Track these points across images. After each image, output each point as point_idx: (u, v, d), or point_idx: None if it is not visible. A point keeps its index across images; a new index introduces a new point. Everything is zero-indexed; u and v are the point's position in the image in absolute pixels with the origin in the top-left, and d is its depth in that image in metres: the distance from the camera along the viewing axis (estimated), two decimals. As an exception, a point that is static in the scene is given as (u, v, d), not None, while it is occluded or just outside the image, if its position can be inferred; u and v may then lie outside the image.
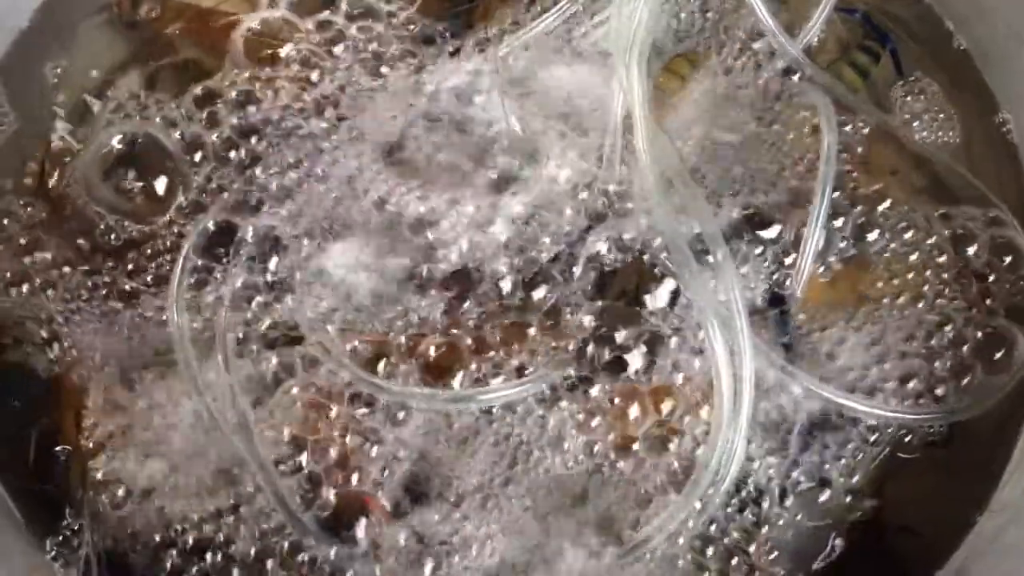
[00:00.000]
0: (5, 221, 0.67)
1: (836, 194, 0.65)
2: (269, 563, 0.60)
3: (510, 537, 0.60)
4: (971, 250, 0.66)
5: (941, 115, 0.70)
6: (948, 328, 0.64)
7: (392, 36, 0.71)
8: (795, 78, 0.69)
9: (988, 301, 0.65)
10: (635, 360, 0.62)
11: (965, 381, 0.63)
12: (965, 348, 0.64)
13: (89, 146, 0.68)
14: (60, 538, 0.61)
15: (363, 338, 0.63)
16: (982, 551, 0.61)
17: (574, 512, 0.60)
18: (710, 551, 0.60)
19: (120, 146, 0.67)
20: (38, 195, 0.67)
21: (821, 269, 0.65)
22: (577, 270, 0.64)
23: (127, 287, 0.64)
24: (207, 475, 0.61)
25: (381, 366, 0.62)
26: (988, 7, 0.70)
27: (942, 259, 0.66)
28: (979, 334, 0.64)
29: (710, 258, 0.61)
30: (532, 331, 0.63)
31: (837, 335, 0.64)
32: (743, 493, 0.61)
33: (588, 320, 0.63)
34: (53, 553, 0.61)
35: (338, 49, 0.70)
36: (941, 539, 0.62)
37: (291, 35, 0.70)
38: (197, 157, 0.67)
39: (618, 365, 0.62)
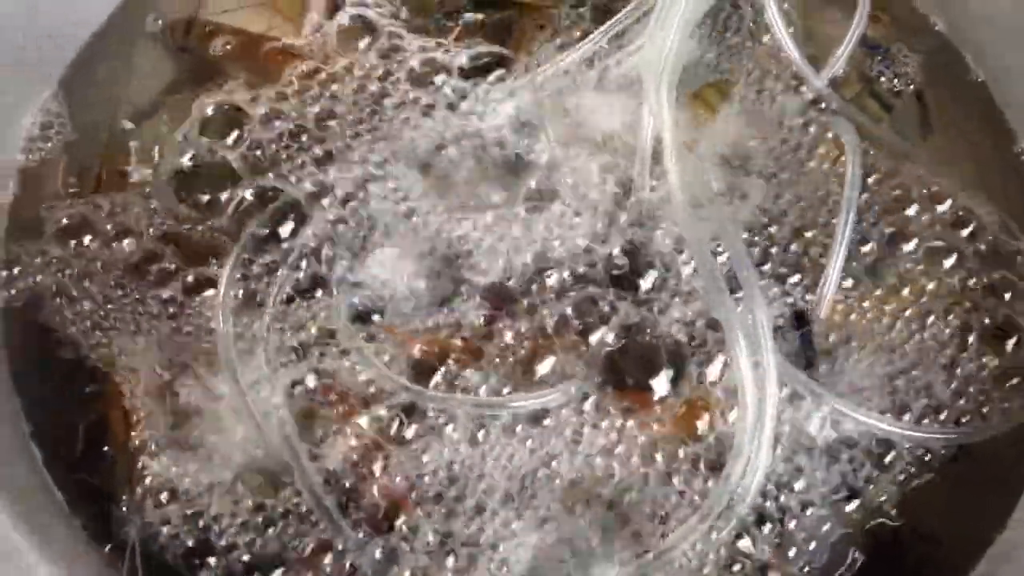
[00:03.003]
0: (54, 223, 0.69)
1: (859, 219, 0.67)
2: (305, 566, 0.61)
3: (536, 542, 0.61)
4: (991, 275, 0.68)
5: (960, 145, 0.73)
6: (969, 350, 0.66)
7: (430, 62, 0.73)
8: (821, 108, 0.72)
9: (1008, 325, 0.67)
10: (662, 373, 0.64)
11: (985, 402, 0.65)
12: (985, 371, 0.65)
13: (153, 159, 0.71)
14: (105, 531, 0.62)
15: (400, 341, 0.65)
16: (1002, 565, 0.62)
17: (600, 519, 0.61)
18: (733, 560, 0.61)
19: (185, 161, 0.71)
20: (93, 201, 0.70)
21: (844, 290, 0.66)
22: (606, 286, 0.66)
23: (177, 291, 0.67)
24: (248, 476, 0.62)
25: (418, 372, 0.64)
26: (1004, 38, 0.72)
27: (963, 283, 0.67)
28: (999, 357, 0.66)
29: (737, 278, 0.63)
30: (564, 341, 0.65)
31: (859, 354, 0.65)
32: (766, 505, 0.62)
33: (616, 332, 0.65)
34: (107, 548, 0.62)
35: (378, 73, 0.73)
36: (961, 553, 0.63)
37: (333, 58, 0.73)
38: (242, 173, 0.70)
39: (646, 377, 0.64)
